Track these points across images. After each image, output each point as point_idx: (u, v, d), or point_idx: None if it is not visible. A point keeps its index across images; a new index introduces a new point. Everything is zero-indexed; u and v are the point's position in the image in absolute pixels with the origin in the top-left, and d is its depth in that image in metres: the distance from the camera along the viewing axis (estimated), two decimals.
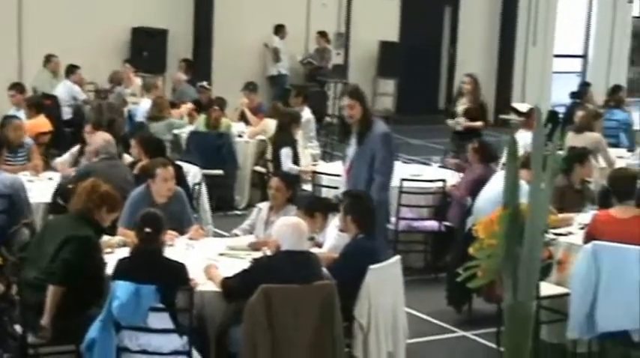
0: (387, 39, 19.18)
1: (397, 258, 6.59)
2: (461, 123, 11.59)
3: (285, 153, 10.59)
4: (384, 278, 6.34)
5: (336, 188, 8.72)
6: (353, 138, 7.85)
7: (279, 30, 17.94)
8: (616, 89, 16.42)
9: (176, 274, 5.86)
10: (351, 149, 7.87)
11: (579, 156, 8.99)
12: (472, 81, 11.71)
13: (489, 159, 9.44)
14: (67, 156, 9.72)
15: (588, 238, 7.19)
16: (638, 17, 23.36)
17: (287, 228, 6.06)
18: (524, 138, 9.59)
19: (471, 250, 4.53)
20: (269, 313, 5.71)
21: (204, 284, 6.13)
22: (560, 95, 19.60)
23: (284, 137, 10.85)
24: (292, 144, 10.84)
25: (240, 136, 12.12)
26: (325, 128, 15.27)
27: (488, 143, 9.86)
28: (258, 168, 11.89)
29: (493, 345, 7.56)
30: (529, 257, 4.23)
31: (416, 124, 18.69)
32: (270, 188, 7.76)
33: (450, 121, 11.84)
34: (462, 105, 11.72)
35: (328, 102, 17.79)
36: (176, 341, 5.78)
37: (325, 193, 9.52)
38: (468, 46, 20.29)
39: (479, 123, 11.58)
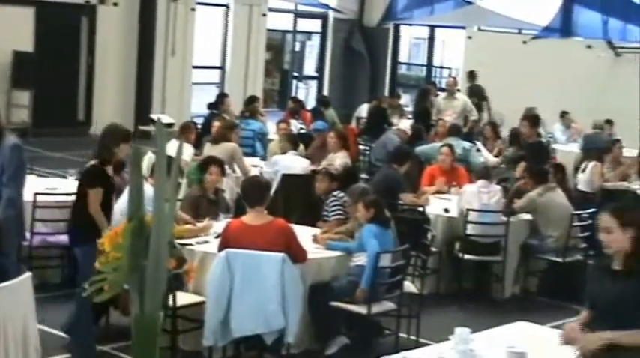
0: (22, 49, 18.57)
1: (28, 274, 6.35)
2: None
3: None
4: (14, 296, 6.10)
5: None
6: None
7: None
8: (251, 100, 16.94)
9: None
10: None
11: (207, 166, 9.16)
12: None
13: (119, 168, 9.30)
14: None
15: (222, 245, 7.37)
16: (272, 30, 24.22)
17: None
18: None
19: (97, 264, 4.48)
20: None
21: None
22: (199, 106, 19.91)
23: None
24: None
25: None
26: None
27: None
28: None
29: None
30: (155, 268, 4.24)
31: (54, 136, 18.26)
32: None
33: None
34: None
35: None
36: None
37: None
38: (106, 56, 20.10)
39: None
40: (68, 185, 10.21)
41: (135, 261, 4.20)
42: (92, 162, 7.75)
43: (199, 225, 8.38)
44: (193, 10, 21.47)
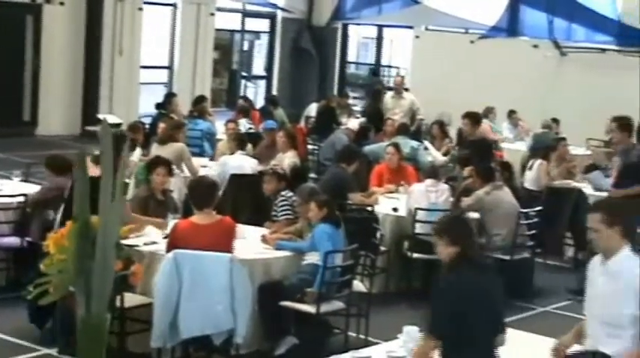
0: None
1: None
2: None
3: None
4: None
5: None
6: None
7: None
8: (200, 99, 16.83)
9: None
10: None
11: (154, 166, 9.08)
12: None
13: (63, 171, 9.12)
14: None
15: (171, 246, 7.33)
16: (220, 30, 24.11)
17: None
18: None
19: (42, 266, 4.44)
20: None
21: None
22: (147, 106, 19.75)
23: None
24: None
25: None
26: None
27: (60, 155, 9.59)
28: None
29: None
30: (102, 269, 4.21)
31: None
32: None
33: None
34: None
35: None
36: None
37: None
38: (52, 56, 19.87)
39: None
40: (12, 186, 10.10)
41: (81, 263, 4.17)
42: None
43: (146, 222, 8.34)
44: (141, 9, 21.28)
